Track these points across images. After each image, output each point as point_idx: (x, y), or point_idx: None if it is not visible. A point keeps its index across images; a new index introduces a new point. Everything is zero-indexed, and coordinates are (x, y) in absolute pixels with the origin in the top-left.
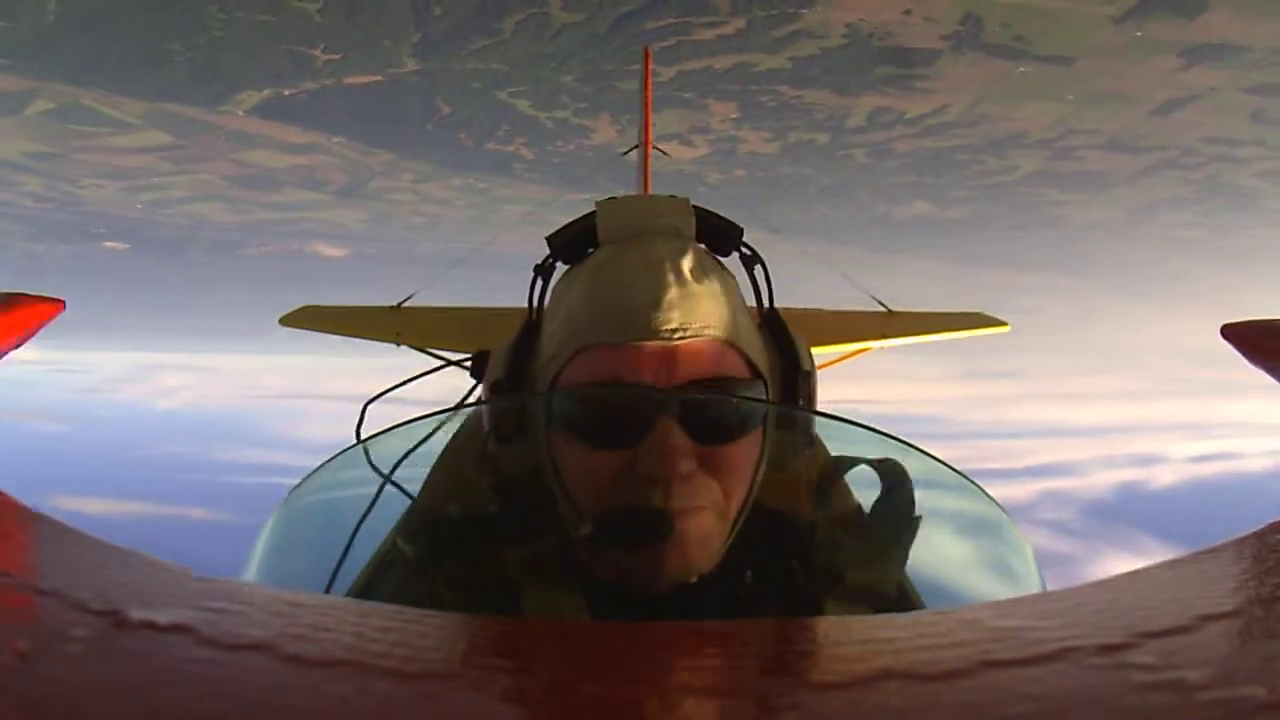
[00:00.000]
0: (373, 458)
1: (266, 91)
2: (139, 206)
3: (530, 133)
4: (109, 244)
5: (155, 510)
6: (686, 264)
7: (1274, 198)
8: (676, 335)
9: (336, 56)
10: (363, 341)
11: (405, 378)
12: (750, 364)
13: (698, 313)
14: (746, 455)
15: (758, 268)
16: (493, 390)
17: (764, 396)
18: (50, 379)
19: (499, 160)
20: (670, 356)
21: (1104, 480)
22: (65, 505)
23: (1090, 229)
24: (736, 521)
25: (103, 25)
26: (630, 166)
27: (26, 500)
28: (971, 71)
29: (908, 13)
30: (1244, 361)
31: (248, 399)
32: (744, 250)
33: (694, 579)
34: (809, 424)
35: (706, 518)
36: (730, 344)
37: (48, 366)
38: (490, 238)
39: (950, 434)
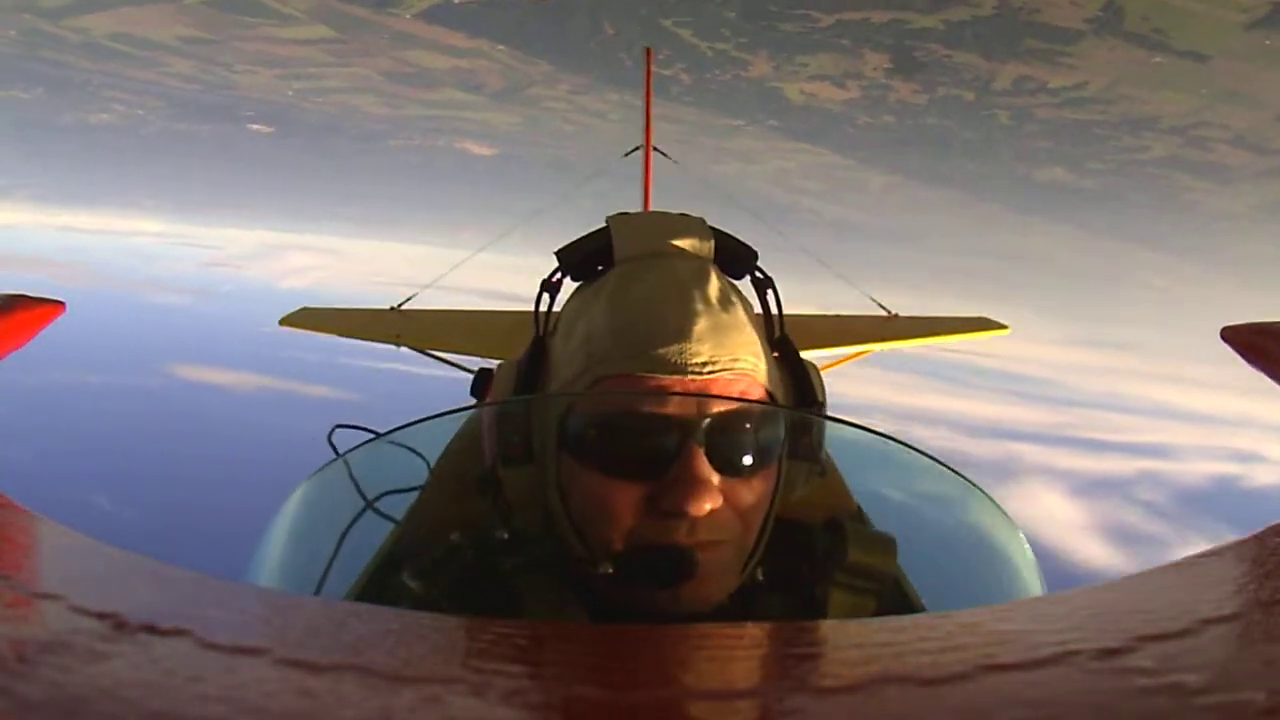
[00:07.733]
0: (360, 471)
1: None
2: (290, 93)
3: (690, 59)
4: (254, 126)
5: (270, 384)
6: (713, 290)
7: None
8: (706, 369)
9: None
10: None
11: (388, 429)
12: (772, 399)
13: (726, 345)
14: (767, 488)
15: (770, 292)
16: None
17: (782, 432)
18: (176, 252)
19: (657, 81)
20: (699, 390)
21: (1202, 469)
22: (181, 374)
23: (1218, 219)
24: (752, 555)
25: None
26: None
27: (145, 371)
28: (1111, 55)
29: None
30: (1244, 364)
31: (370, 285)
32: (758, 274)
33: (707, 612)
34: (820, 448)
35: (727, 552)
36: (755, 378)
37: (173, 240)
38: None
39: (1058, 398)
